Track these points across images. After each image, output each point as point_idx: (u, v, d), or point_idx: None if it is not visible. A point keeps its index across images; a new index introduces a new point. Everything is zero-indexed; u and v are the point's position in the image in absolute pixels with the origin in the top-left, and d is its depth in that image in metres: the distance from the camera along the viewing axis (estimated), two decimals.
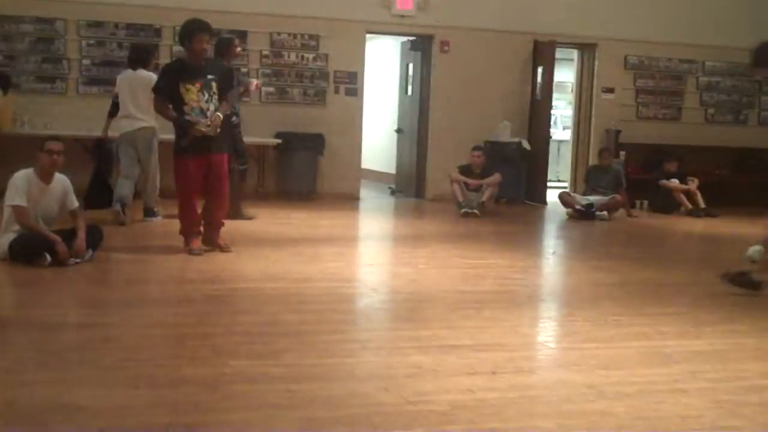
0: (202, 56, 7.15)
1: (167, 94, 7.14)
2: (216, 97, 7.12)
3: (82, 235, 6.56)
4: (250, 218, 9.34)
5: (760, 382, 4.21)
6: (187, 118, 7.01)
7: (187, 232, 7.26)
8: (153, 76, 8.12)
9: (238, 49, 9.16)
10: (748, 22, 13.20)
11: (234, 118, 8.86)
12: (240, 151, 9.17)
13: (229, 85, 7.40)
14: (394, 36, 13.51)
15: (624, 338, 4.94)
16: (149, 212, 8.98)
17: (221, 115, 7.15)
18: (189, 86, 7.01)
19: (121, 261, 6.90)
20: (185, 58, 7.29)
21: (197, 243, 7.21)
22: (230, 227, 7.78)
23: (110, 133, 9.12)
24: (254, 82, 9.75)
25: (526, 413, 3.62)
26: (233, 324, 5.06)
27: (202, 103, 7.04)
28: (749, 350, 4.83)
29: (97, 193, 8.94)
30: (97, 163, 9.17)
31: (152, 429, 3.32)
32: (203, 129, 6.99)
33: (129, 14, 11.30)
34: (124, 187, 8.78)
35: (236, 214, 9.12)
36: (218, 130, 7.10)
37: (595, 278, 6.92)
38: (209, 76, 7.09)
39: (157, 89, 7.31)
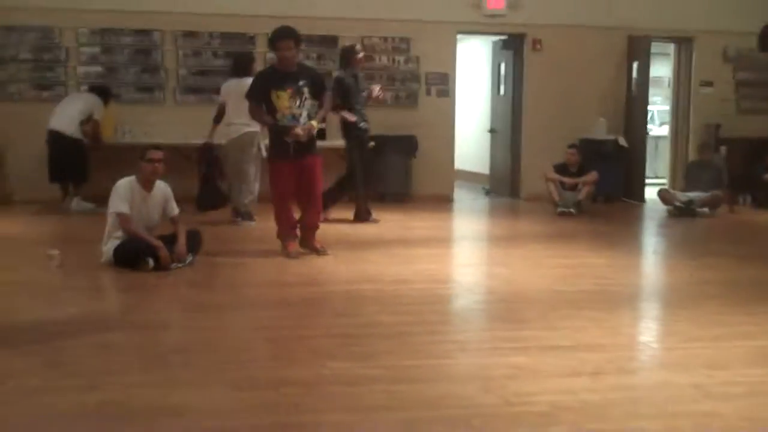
0: (291, 62, 7.22)
1: (260, 101, 7.25)
2: (309, 102, 7.19)
3: (182, 240, 6.72)
4: (375, 221, 9.49)
5: None
6: (281, 124, 7.12)
7: (283, 236, 7.36)
8: None
9: (360, 55, 9.37)
10: None
11: (362, 124, 9.24)
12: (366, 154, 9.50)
13: (322, 89, 7.43)
14: (485, 36, 13.43)
15: (729, 337, 4.80)
16: (246, 216, 9.15)
17: (315, 124, 7.23)
18: (280, 93, 7.10)
19: (220, 265, 7.03)
20: (276, 65, 7.39)
21: (294, 246, 7.30)
22: (325, 230, 7.86)
23: (216, 140, 9.36)
24: (376, 87, 9.81)
25: (631, 414, 3.56)
26: (331, 326, 5.12)
27: (294, 109, 7.12)
28: None
29: (208, 195, 9.29)
30: (204, 167, 9.42)
31: (255, 430, 3.38)
32: (300, 132, 7.06)
33: (222, 24, 11.50)
34: (239, 194, 9.16)
35: (362, 217, 9.42)
36: (312, 135, 7.22)
37: (697, 276, 6.74)
38: (300, 82, 7.15)
39: (249, 96, 7.40)
